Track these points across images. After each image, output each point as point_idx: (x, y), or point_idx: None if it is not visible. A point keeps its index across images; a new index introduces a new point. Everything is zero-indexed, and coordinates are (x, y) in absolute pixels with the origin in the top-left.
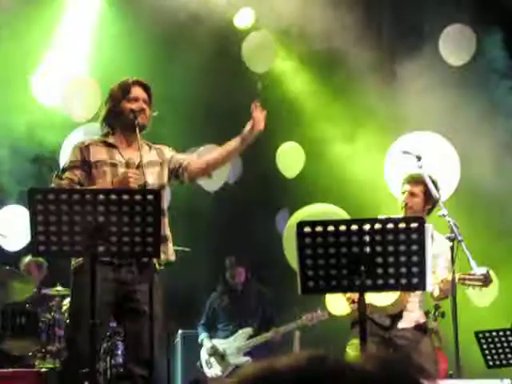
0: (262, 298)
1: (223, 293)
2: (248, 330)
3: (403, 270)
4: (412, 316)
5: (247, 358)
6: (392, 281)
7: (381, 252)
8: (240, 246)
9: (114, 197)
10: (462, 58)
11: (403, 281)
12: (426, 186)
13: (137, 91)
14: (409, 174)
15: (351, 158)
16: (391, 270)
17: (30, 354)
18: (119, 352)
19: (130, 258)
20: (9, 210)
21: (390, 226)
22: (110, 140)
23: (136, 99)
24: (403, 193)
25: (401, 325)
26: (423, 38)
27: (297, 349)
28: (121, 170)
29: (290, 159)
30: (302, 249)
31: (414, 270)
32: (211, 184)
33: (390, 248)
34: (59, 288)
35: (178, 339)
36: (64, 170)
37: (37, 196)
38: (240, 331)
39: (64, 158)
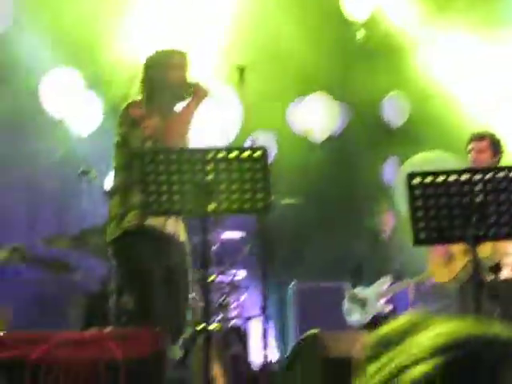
0: (404, 246)
1: (369, 241)
2: (388, 278)
3: None
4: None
5: (388, 305)
6: (505, 230)
7: (493, 201)
8: (346, 197)
9: (222, 155)
10: None
11: None
12: (490, 140)
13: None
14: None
15: (459, 103)
16: (504, 219)
17: None
18: (232, 306)
19: (240, 213)
20: None
21: (502, 174)
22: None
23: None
24: (469, 151)
25: (503, 276)
26: None
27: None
28: None
29: (395, 107)
30: (412, 200)
31: None
32: (317, 135)
33: (503, 197)
34: None
35: (292, 291)
36: (139, 120)
37: (147, 157)
38: (381, 279)
39: None
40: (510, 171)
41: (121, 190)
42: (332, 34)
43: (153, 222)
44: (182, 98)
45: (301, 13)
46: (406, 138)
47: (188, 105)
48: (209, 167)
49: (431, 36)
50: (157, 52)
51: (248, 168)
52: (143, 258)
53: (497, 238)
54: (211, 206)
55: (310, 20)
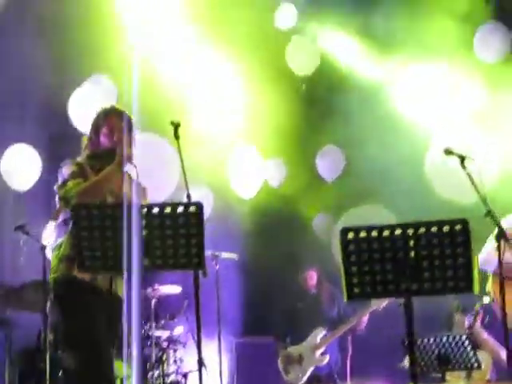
0: (337, 299)
1: (297, 298)
2: (320, 329)
3: (450, 273)
4: None
5: (324, 356)
6: (439, 284)
7: (426, 256)
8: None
9: (156, 210)
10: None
11: (450, 284)
12: None
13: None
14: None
15: (394, 158)
16: (438, 274)
17: None
18: (171, 361)
19: (175, 270)
20: None
21: (434, 229)
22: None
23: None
24: None
25: None
26: None
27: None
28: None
29: (329, 162)
30: (346, 255)
31: (461, 272)
32: (246, 190)
33: (436, 251)
34: None
35: (231, 346)
36: (66, 180)
37: (81, 212)
38: (312, 333)
39: None
40: (441, 226)
41: (58, 245)
42: (274, 88)
43: (82, 274)
44: (107, 162)
45: (245, 68)
46: (340, 192)
47: (107, 170)
48: (143, 222)
49: (372, 88)
50: (96, 114)
51: (182, 223)
52: (72, 309)
53: (431, 292)
54: (145, 262)
55: (252, 74)
